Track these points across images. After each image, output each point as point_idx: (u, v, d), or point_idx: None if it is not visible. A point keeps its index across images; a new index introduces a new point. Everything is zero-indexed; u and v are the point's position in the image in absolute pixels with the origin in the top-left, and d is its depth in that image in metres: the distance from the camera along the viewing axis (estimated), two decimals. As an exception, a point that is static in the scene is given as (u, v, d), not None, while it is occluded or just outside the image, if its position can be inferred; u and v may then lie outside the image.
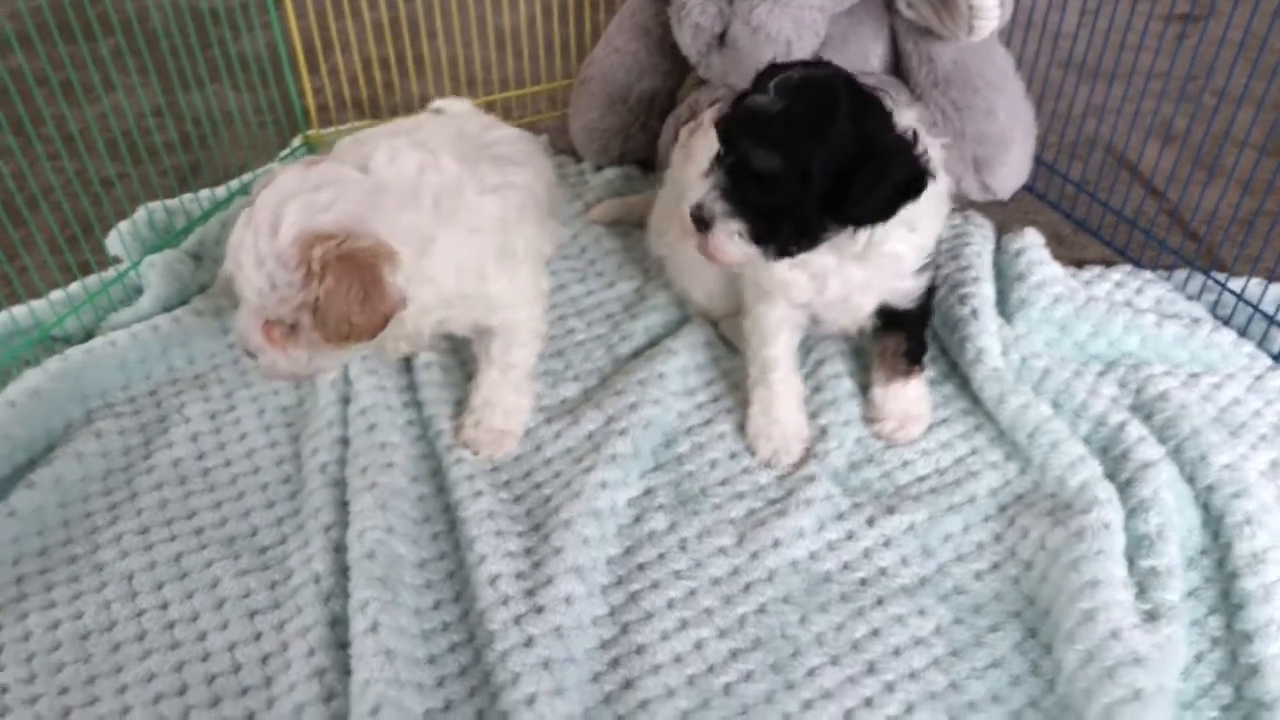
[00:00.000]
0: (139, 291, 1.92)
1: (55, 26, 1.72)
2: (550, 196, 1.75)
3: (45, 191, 2.09)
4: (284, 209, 1.33)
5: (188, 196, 2.06)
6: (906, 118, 1.42)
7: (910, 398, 1.68)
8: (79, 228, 1.95)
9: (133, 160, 2.15)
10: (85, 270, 1.95)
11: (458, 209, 1.47)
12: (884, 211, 1.41)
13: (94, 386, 1.74)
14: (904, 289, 1.58)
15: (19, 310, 1.81)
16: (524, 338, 1.67)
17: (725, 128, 1.42)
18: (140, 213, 2.01)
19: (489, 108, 2.38)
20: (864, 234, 1.45)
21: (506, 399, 1.66)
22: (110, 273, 1.92)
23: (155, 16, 1.97)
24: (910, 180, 1.39)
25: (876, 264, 1.53)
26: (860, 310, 1.60)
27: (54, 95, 2.23)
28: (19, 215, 2.04)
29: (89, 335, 1.85)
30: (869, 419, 1.70)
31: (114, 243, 1.98)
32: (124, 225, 1.98)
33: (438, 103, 1.74)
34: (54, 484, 1.59)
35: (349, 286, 1.32)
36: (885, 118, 1.40)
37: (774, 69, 1.43)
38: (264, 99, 2.22)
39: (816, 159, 1.36)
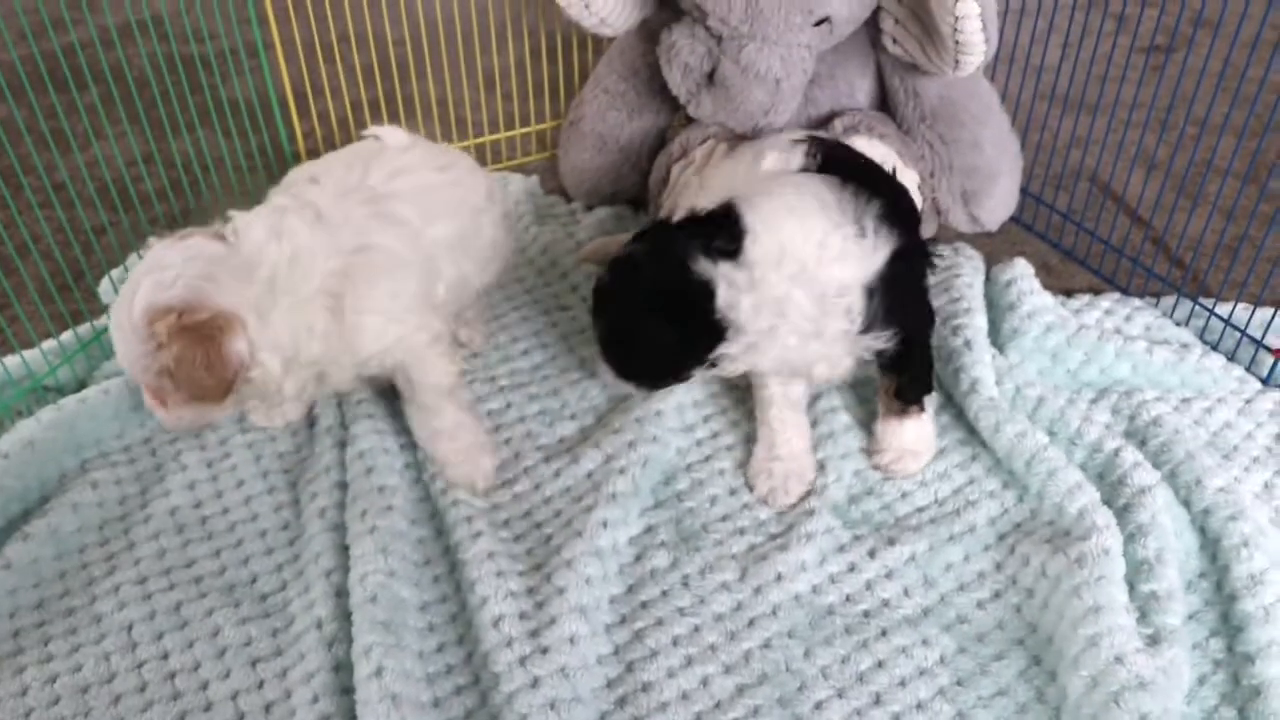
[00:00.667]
0: (132, 339, 1.91)
1: (46, 74, 1.72)
2: (479, 237, 1.75)
3: (35, 239, 2.08)
4: (138, 285, 1.45)
5: (180, 244, 2.05)
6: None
7: (909, 436, 1.69)
8: (70, 275, 1.94)
9: (123, 207, 2.15)
10: (77, 318, 1.94)
11: (294, 279, 1.52)
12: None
13: (88, 436, 1.73)
14: (864, 347, 1.55)
15: (11, 360, 1.80)
16: (429, 363, 1.66)
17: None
18: (132, 260, 2.00)
19: (478, 150, 2.40)
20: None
21: (449, 418, 1.68)
22: (103, 320, 1.92)
23: (142, 64, 1.97)
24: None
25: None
26: (836, 368, 1.59)
27: (43, 143, 2.24)
28: (9, 263, 2.04)
29: (82, 384, 1.84)
30: (869, 451, 1.71)
31: (106, 291, 1.98)
32: (116, 273, 1.98)
33: (373, 129, 1.73)
34: (49, 535, 1.58)
35: (192, 355, 1.43)
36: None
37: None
38: (254, 143, 2.23)
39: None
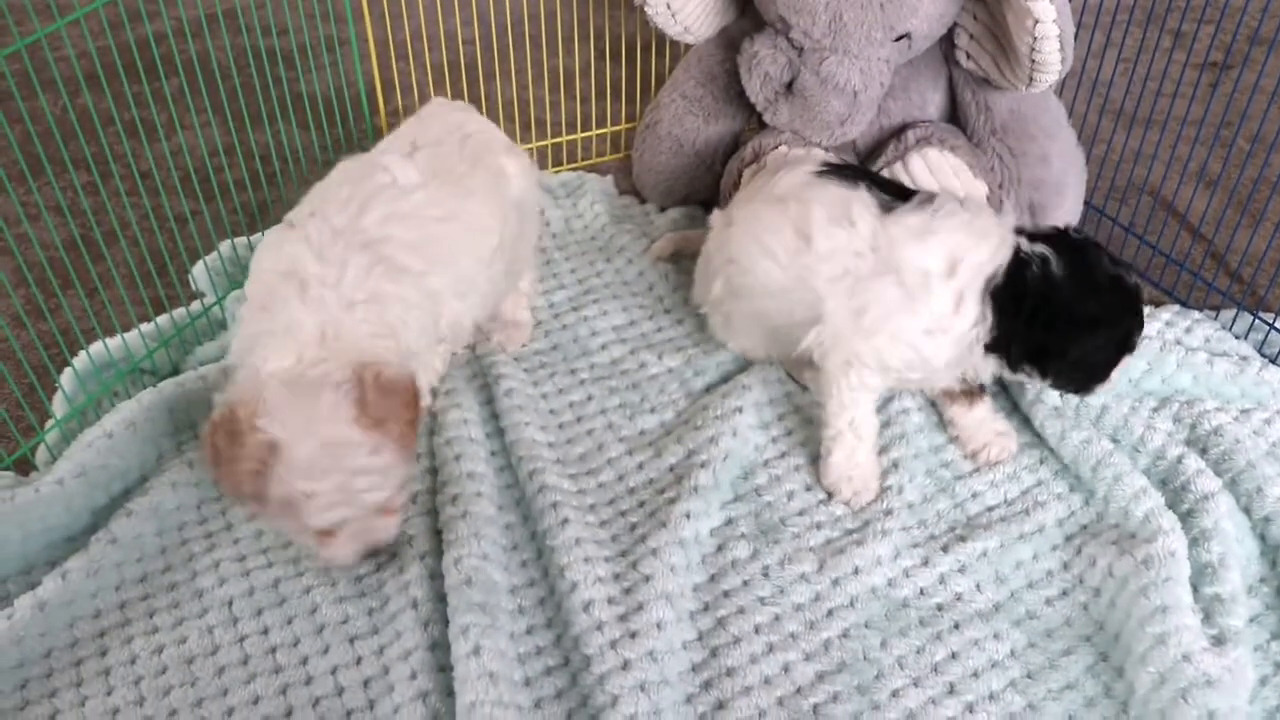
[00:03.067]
0: (222, 326, 1.99)
1: (126, 66, 1.78)
2: (488, 271, 1.74)
3: (123, 226, 2.14)
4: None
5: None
6: None
7: (989, 418, 1.78)
8: (155, 264, 2.00)
9: (205, 196, 2.22)
10: (171, 302, 2.00)
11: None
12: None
13: (185, 419, 1.79)
14: None
15: (111, 343, 1.86)
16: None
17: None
18: (224, 247, 2.07)
19: (555, 150, 2.46)
20: None
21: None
22: (195, 307, 1.98)
23: (227, 56, 2.03)
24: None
25: None
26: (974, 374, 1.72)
27: (129, 131, 2.30)
28: (97, 250, 2.10)
29: (175, 368, 1.91)
30: (960, 444, 1.79)
31: (200, 277, 2.04)
32: (209, 259, 2.05)
33: (389, 163, 1.69)
34: (152, 512, 1.64)
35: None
36: None
37: None
38: (329, 137, 2.29)
39: None
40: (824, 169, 1.76)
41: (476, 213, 1.70)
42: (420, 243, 1.60)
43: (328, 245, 1.54)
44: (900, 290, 1.64)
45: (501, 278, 1.79)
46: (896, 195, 1.71)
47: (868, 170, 1.85)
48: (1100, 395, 1.76)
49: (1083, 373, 1.66)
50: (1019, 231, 1.66)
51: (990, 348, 1.65)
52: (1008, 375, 1.70)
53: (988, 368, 1.69)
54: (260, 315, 1.51)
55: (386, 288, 1.54)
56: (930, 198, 1.69)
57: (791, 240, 1.71)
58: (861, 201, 1.69)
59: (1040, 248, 1.62)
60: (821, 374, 1.72)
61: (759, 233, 1.75)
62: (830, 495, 1.71)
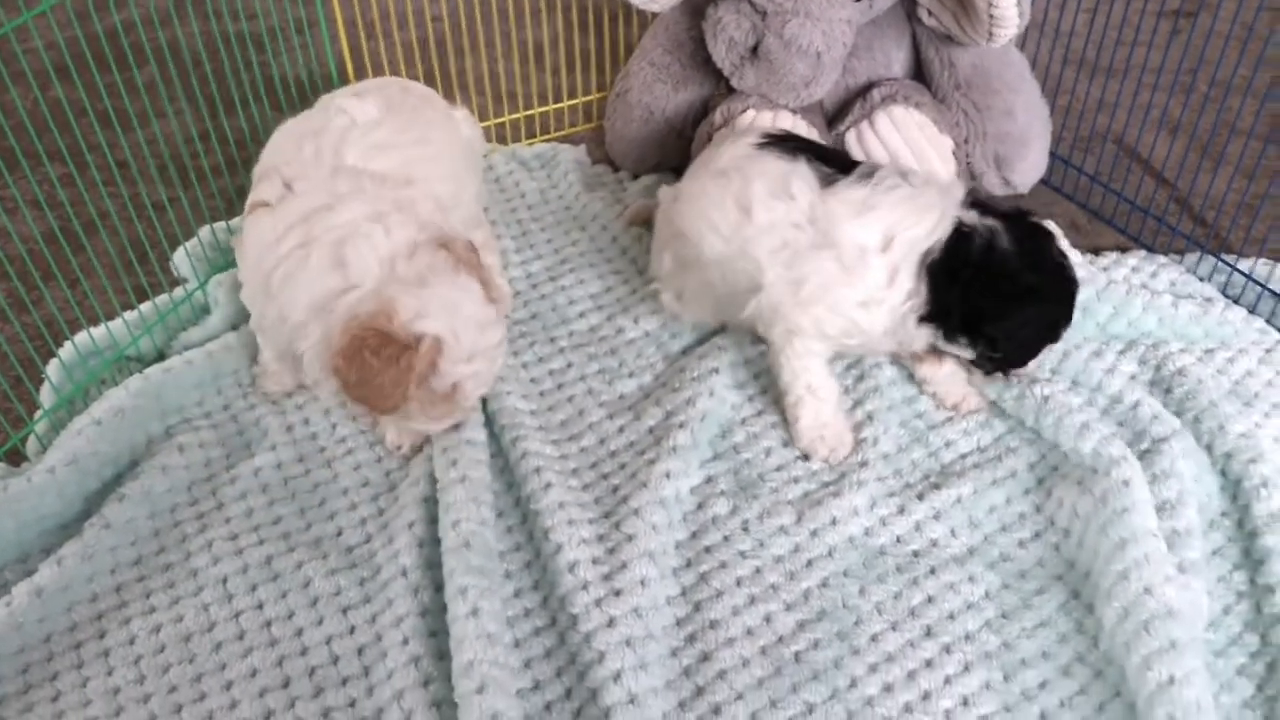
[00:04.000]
0: (205, 310, 2.01)
1: (97, 56, 1.79)
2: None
3: (102, 216, 2.16)
4: None
5: (247, 217, 2.14)
6: None
7: (957, 372, 1.82)
8: (136, 252, 2.03)
9: (183, 184, 2.23)
10: (154, 290, 2.02)
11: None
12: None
13: (173, 403, 1.82)
14: None
15: (95, 332, 1.89)
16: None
17: None
18: (204, 233, 2.08)
19: (527, 122, 2.48)
20: None
21: None
22: (178, 293, 2.01)
23: (192, 43, 2.04)
24: None
25: None
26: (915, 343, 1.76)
27: (103, 121, 2.31)
28: (77, 240, 2.13)
29: (160, 354, 1.93)
30: (935, 398, 1.83)
31: (181, 263, 2.06)
32: (190, 245, 2.06)
33: (341, 101, 1.81)
34: (143, 496, 1.67)
35: None
36: None
37: None
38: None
39: None
40: (765, 141, 1.79)
41: (441, 138, 1.82)
42: (406, 164, 1.70)
43: (330, 195, 1.61)
44: (837, 264, 1.68)
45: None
46: (839, 167, 1.74)
47: (810, 142, 1.87)
48: (1014, 381, 1.79)
49: (1011, 345, 1.70)
50: (976, 204, 1.70)
51: (924, 319, 1.69)
52: (941, 345, 1.74)
53: (921, 337, 1.73)
54: (310, 268, 1.57)
55: (403, 193, 1.64)
56: (871, 171, 1.72)
57: (733, 213, 1.74)
58: (800, 175, 1.72)
59: (990, 221, 1.67)
60: (769, 345, 1.77)
61: (704, 207, 1.78)
62: (807, 457, 1.74)
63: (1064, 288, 1.70)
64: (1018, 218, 1.70)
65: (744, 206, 1.73)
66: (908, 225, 1.67)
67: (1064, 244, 1.74)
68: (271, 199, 1.64)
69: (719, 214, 1.76)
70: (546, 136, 2.49)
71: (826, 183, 1.72)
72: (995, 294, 1.66)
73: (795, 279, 1.71)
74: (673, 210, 1.86)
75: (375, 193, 1.63)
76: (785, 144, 1.79)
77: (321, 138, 1.71)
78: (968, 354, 1.73)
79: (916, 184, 1.72)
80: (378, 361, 1.48)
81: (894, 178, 1.71)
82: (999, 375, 1.77)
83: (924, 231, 1.67)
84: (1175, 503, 1.58)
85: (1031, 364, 1.75)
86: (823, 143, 1.98)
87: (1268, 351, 1.86)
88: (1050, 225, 1.72)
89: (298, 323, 1.59)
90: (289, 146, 1.72)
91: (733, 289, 1.79)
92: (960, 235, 1.66)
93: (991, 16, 1.88)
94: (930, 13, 2.04)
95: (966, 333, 1.69)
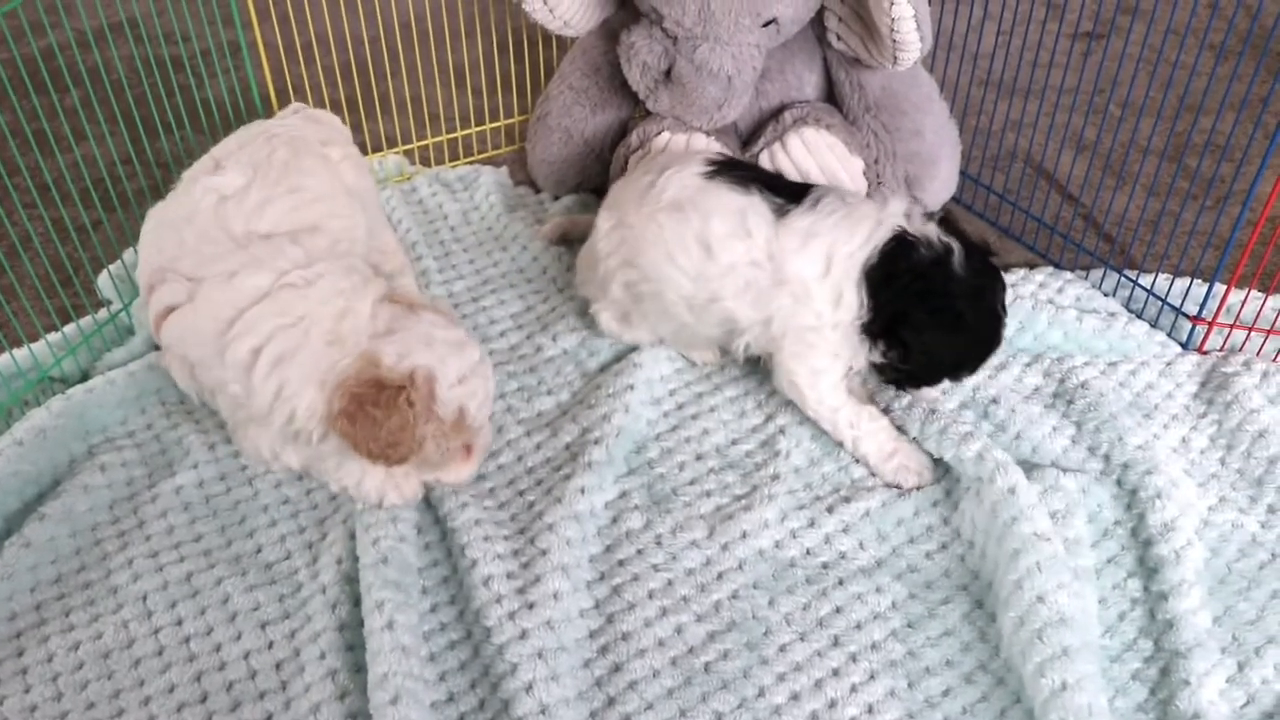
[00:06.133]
0: (130, 331, 2.02)
1: (27, 78, 1.80)
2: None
3: (26, 239, 2.17)
4: None
5: (170, 239, 2.15)
6: None
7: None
8: (62, 273, 2.04)
9: (105, 207, 2.24)
10: (76, 313, 2.03)
11: None
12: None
13: (95, 423, 1.83)
14: None
15: (18, 353, 1.89)
16: None
17: None
18: (127, 255, 2.09)
19: (450, 145, 2.51)
20: None
21: None
22: (103, 314, 2.02)
23: (121, 67, 2.05)
24: None
25: None
26: None
27: (27, 145, 2.31)
28: (1, 264, 2.13)
29: (85, 374, 1.94)
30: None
31: (105, 285, 2.07)
32: (112, 268, 2.08)
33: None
34: (64, 515, 1.68)
35: None
36: None
37: None
38: (233, 143, 2.32)
39: None
40: (713, 169, 1.80)
41: (317, 182, 1.78)
42: (292, 212, 1.71)
43: (245, 260, 1.61)
44: (792, 299, 1.73)
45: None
46: (788, 195, 1.77)
47: (754, 166, 1.91)
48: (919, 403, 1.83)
49: (921, 360, 1.73)
50: (943, 222, 1.75)
51: (864, 328, 1.72)
52: (875, 360, 1.76)
53: (862, 354, 1.75)
54: (271, 330, 1.57)
55: (318, 243, 1.68)
56: (818, 199, 1.75)
57: (696, 252, 1.76)
58: (755, 210, 1.75)
59: (948, 239, 1.70)
60: (796, 400, 1.81)
61: (668, 247, 1.78)
62: (901, 488, 1.75)
63: (989, 335, 1.73)
64: (980, 250, 1.74)
65: (705, 245, 1.75)
66: (841, 243, 1.70)
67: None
68: (181, 299, 1.63)
69: (684, 256, 1.77)
70: (470, 159, 2.52)
71: (780, 214, 1.74)
72: (925, 305, 1.68)
73: (764, 319, 1.76)
74: (620, 238, 1.85)
75: (297, 252, 1.64)
76: (733, 172, 1.80)
77: (196, 221, 1.68)
78: (875, 358, 1.74)
79: (853, 203, 1.75)
80: (380, 411, 1.50)
81: (835, 201, 1.74)
82: (896, 388, 1.82)
83: (857, 244, 1.70)
84: (1064, 513, 1.64)
85: (933, 391, 1.80)
86: (765, 167, 2.00)
87: (1168, 364, 1.92)
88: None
89: (308, 401, 1.56)
90: (169, 241, 1.68)
91: (702, 321, 1.82)
92: (902, 242, 1.69)
93: (894, 41, 1.93)
94: (839, 37, 2.09)
95: (885, 335, 1.71)
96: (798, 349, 1.75)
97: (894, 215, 1.72)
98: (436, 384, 1.54)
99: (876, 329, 1.72)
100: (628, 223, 1.84)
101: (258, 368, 1.56)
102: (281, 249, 1.63)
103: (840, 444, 1.80)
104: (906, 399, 1.82)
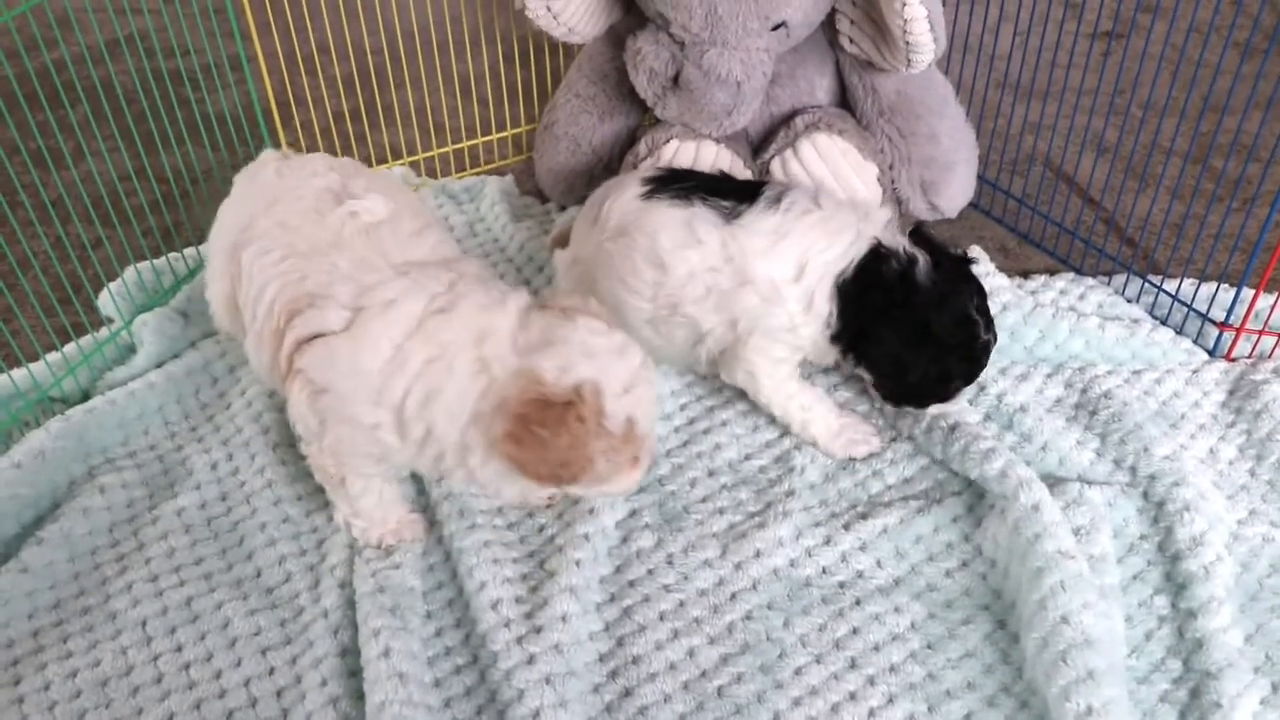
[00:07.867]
0: (132, 350, 1.99)
1: (27, 95, 1.78)
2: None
3: (30, 257, 2.15)
4: None
5: (173, 255, 2.13)
6: None
7: None
8: (60, 293, 2.01)
9: (108, 223, 2.22)
10: (78, 330, 2.01)
11: None
12: None
13: (96, 444, 1.80)
14: None
15: (18, 373, 1.86)
16: None
17: None
18: (129, 273, 2.07)
19: (456, 155, 2.48)
20: None
21: None
22: (104, 333, 1.99)
23: (127, 81, 2.03)
24: None
25: None
26: None
27: (34, 160, 2.29)
28: (9, 278, 2.10)
29: (85, 394, 1.91)
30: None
31: (106, 303, 2.05)
32: (114, 286, 2.05)
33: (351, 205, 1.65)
34: (63, 539, 1.65)
35: None
36: None
37: None
38: (240, 155, 2.29)
39: None
40: (650, 188, 1.76)
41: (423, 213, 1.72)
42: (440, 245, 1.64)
43: (407, 287, 1.51)
44: (758, 299, 1.69)
45: None
46: (735, 195, 1.73)
47: (693, 173, 1.85)
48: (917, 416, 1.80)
49: (884, 373, 1.73)
50: (915, 233, 1.72)
51: (834, 338, 1.71)
52: (847, 368, 1.76)
53: (831, 354, 1.74)
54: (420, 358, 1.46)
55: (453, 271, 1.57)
56: (779, 195, 1.72)
57: (649, 272, 1.73)
58: (700, 218, 1.71)
59: (915, 250, 1.67)
60: (750, 393, 1.79)
61: (621, 274, 1.75)
62: (853, 458, 1.76)
63: (961, 342, 1.69)
64: (947, 256, 1.70)
65: (657, 263, 1.72)
66: (819, 249, 1.67)
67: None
68: (335, 326, 1.51)
69: (635, 279, 1.74)
70: (477, 169, 2.49)
71: (730, 217, 1.71)
72: (886, 318, 1.67)
73: (729, 320, 1.72)
74: (579, 278, 1.83)
75: (450, 277, 1.53)
76: (670, 186, 1.76)
77: (349, 248, 1.57)
78: (849, 369, 1.75)
79: (828, 206, 1.72)
80: (548, 431, 1.39)
81: (805, 201, 1.71)
82: (894, 405, 1.80)
83: (836, 254, 1.67)
84: (1089, 529, 1.58)
85: (934, 407, 1.76)
86: (703, 171, 1.93)
87: (1194, 372, 1.87)
88: (975, 251, 1.72)
89: (455, 440, 1.47)
90: (318, 268, 1.56)
91: (670, 340, 1.79)
92: (876, 256, 1.67)
93: (907, 43, 1.89)
94: (851, 40, 2.05)
95: (853, 349, 1.71)
96: (763, 344, 1.72)
97: (874, 226, 1.70)
98: (603, 396, 1.43)
99: (844, 344, 1.72)
100: (581, 258, 1.84)
101: (407, 408, 1.46)
102: (436, 275, 1.53)
103: (792, 431, 1.79)
104: (923, 421, 1.78)
